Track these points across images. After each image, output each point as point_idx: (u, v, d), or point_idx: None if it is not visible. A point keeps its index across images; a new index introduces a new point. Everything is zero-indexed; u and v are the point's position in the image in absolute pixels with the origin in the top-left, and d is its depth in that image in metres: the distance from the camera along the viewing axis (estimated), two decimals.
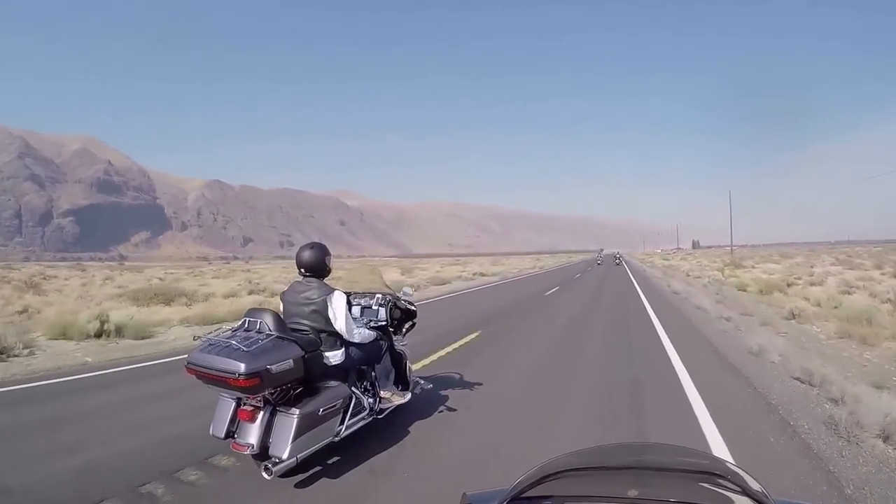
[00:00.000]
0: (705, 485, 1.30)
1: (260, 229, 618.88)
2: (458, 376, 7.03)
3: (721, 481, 1.29)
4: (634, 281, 29.59)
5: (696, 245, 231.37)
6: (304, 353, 3.90)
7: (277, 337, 3.85)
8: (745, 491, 1.25)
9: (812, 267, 39.51)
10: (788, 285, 22.68)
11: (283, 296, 4.55)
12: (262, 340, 3.74)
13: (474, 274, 38.91)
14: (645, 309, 15.54)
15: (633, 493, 1.27)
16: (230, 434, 3.87)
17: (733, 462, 1.65)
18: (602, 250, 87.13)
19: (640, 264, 64.84)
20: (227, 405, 3.93)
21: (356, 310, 5.22)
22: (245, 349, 3.57)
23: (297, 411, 3.75)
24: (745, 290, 22.22)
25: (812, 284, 24.28)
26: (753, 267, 42.46)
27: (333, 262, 4.64)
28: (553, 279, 33.26)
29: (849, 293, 19.01)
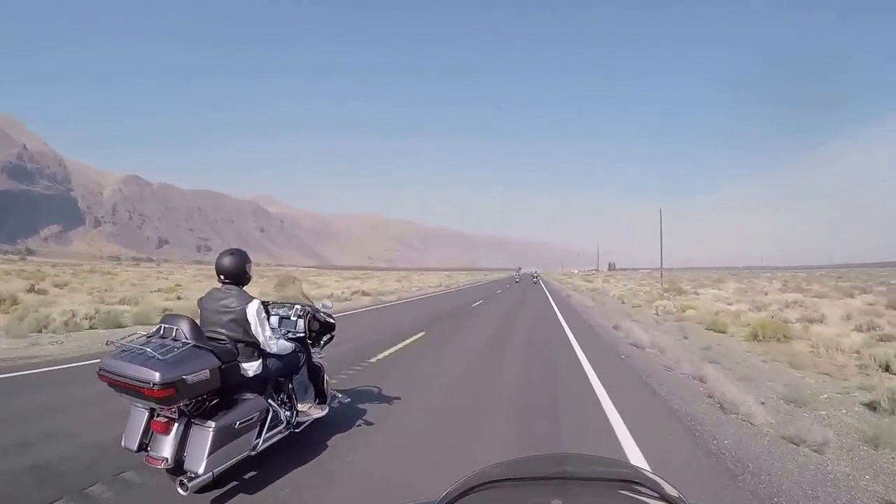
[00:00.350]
0: (625, 492, 1.34)
1: (177, 231, 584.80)
2: (376, 390, 6.83)
3: (639, 488, 1.35)
4: (560, 315, 18.99)
5: (612, 267, 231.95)
6: (221, 363, 3.63)
7: (194, 346, 3.56)
8: (663, 497, 1.31)
9: (766, 294, 31.50)
10: (784, 322, 15.10)
11: (200, 302, 4.21)
12: (178, 349, 3.45)
13: (355, 293, 29.88)
14: (611, 430, 5.33)
15: (556, 502, 1.28)
16: (143, 447, 3.50)
17: (650, 470, 1.72)
18: (520, 269, 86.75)
19: (559, 286, 55.90)
20: (139, 416, 3.56)
21: (274, 320, 4.97)
22: (160, 357, 3.28)
23: (212, 424, 3.47)
24: (723, 332, 14.76)
25: (811, 321, 16.60)
26: (696, 293, 33.66)
27: (253, 270, 4.38)
28: (442, 306, 23.62)
29: (891, 339, 12.43)
